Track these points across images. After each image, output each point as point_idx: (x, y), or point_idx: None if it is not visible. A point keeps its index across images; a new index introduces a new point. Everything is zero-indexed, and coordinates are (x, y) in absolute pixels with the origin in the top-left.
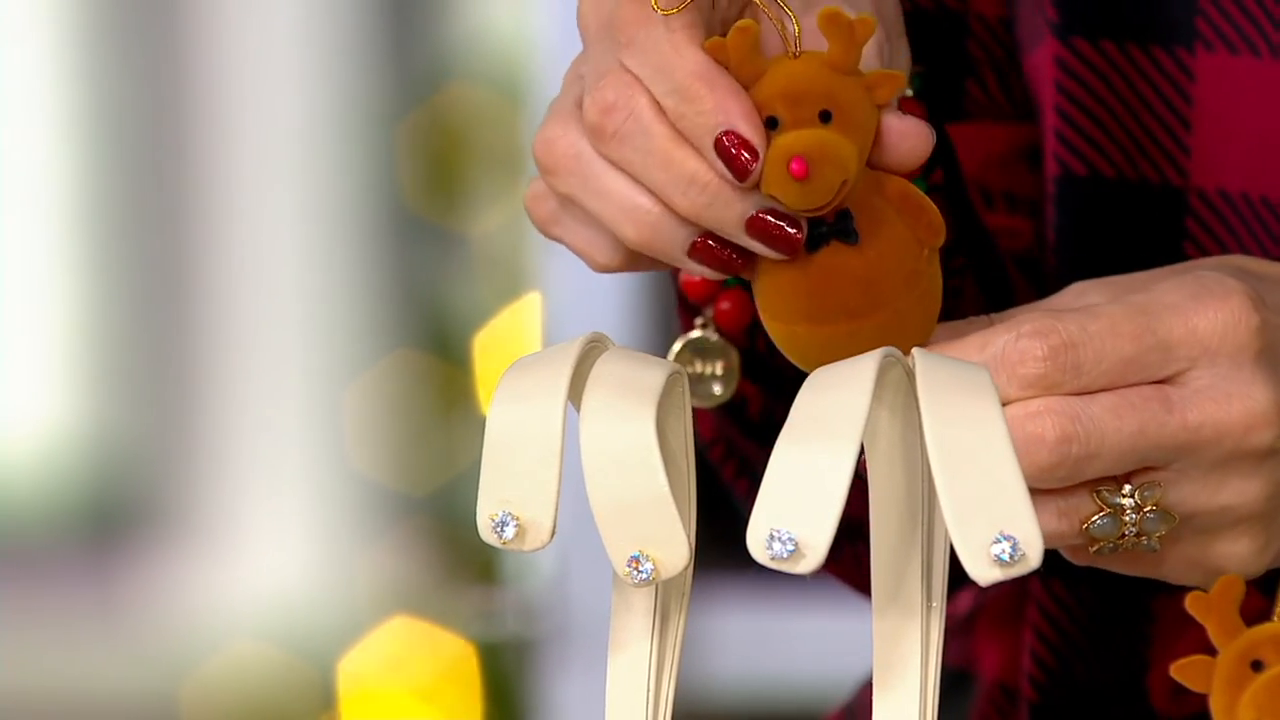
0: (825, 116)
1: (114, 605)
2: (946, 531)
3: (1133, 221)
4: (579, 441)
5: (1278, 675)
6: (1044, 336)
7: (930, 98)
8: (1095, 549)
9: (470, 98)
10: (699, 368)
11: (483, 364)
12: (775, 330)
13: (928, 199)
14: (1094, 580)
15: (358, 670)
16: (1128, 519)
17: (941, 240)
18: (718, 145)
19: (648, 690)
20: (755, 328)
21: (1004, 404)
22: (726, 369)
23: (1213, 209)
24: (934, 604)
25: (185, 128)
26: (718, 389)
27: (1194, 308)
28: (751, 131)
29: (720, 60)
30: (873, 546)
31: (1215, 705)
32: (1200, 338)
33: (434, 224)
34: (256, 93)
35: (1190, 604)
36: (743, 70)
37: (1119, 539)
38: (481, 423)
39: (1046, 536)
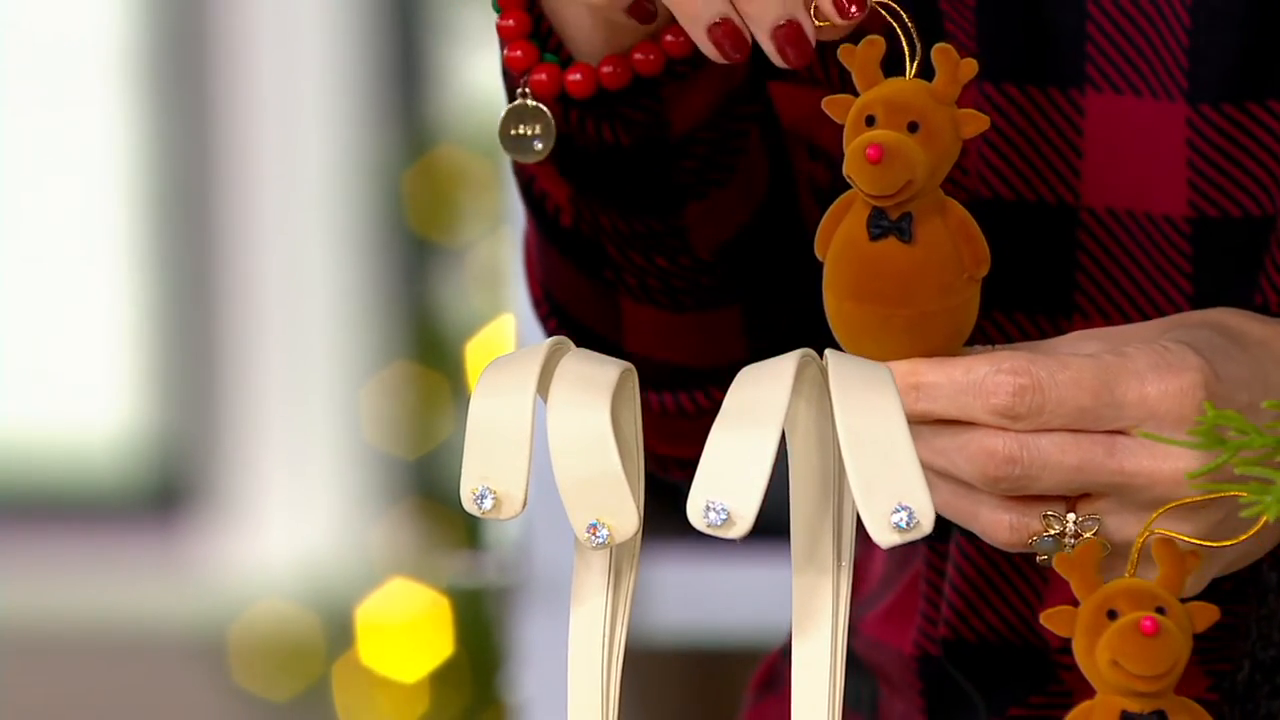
0: (913, 127)
1: (173, 562)
2: (854, 503)
3: (1032, 236)
4: (546, 428)
5: (1128, 622)
6: (1016, 375)
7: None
8: (1040, 561)
9: (457, 156)
10: (522, 130)
11: (474, 366)
12: (829, 304)
13: (981, 234)
14: (989, 550)
15: (371, 617)
16: (1067, 542)
17: (984, 271)
18: None
19: (604, 636)
20: (564, 100)
21: (974, 424)
22: (544, 129)
23: (1101, 224)
24: (843, 563)
25: (227, 179)
26: (538, 145)
27: (1150, 377)
28: None
29: (847, 64)
30: (792, 516)
31: (1076, 647)
32: (1149, 404)
33: (434, 252)
34: (286, 150)
35: (1057, 564)
36: (862, 76)
37: (1141, 543)
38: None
39: (999, 543)
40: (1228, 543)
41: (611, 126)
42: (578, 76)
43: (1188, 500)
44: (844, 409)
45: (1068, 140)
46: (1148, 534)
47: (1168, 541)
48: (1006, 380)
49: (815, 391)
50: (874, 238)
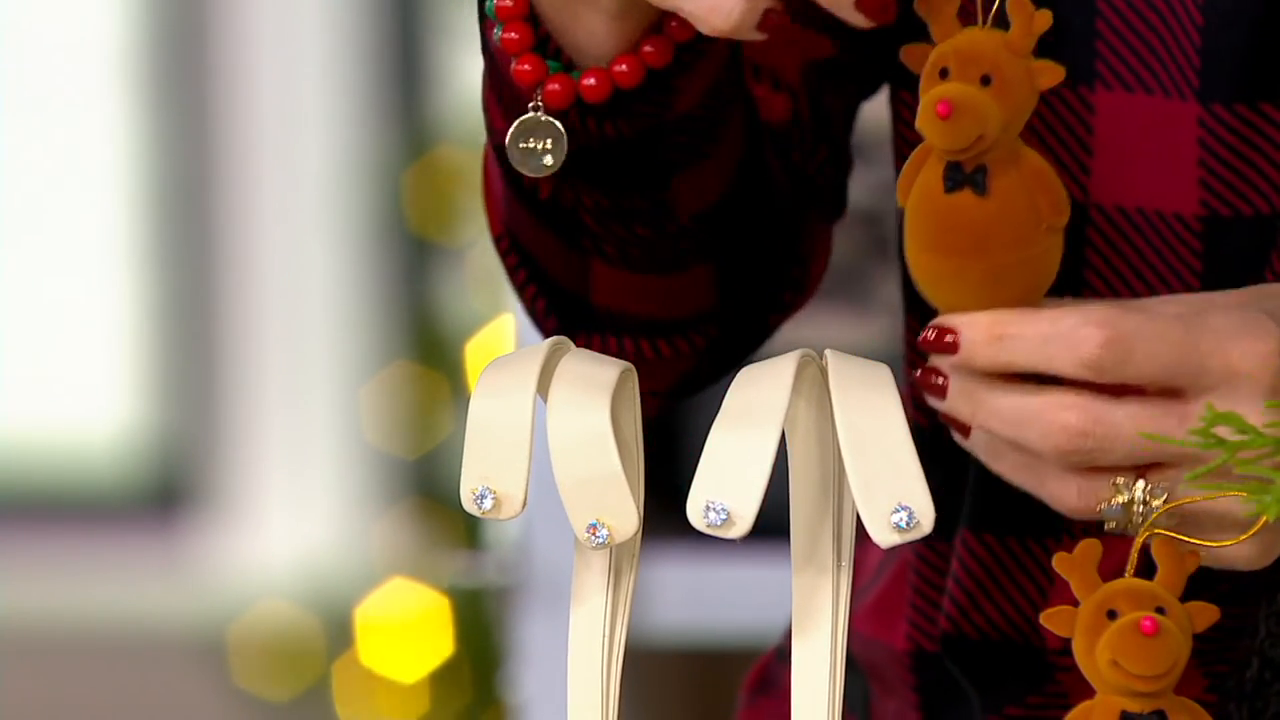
0: (985, 80)
1: (173, 562)
2: (854, 503)
3: None
4: (546, 428)
5: (1128, 622)
6: (1105, 327)
7: None
8: (1108, 529)
9: (457, 156)
10: (531, 144)
11: (474, 366)
12: (908, 254)
13: (1059, 183)
14: (994, 546)
15: (371, 616)
16: (1136, 510)
17: (1063, 219)
18: None
19: (604, 636)
20: (579, 109)
21: (1057, 378)
22: (555, 142)
23: (1110, 222)
24: (843, 564)
25: (227, 179)
26: (548, 160)
27: (1233, 339)
28: None
29: (923, 15)
30: (792, 516)
31: (1076, 647)
32: (1232, 364)
33: (434, 252)
34: (286, 150)
35: (1056, 563)
36: (939, 27)
37: (1127, 524)
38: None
39: (1067, 509)
40: (1228, 542)
41: (615, 123)
42: (592, 81)
43: (1187, 500)
44: (844, 409)
45: (1077, 137)
46: (1147, 534)
47: (1168, 541)
48: (1095, 332)
49: (815, 391)
50: (948, 190)
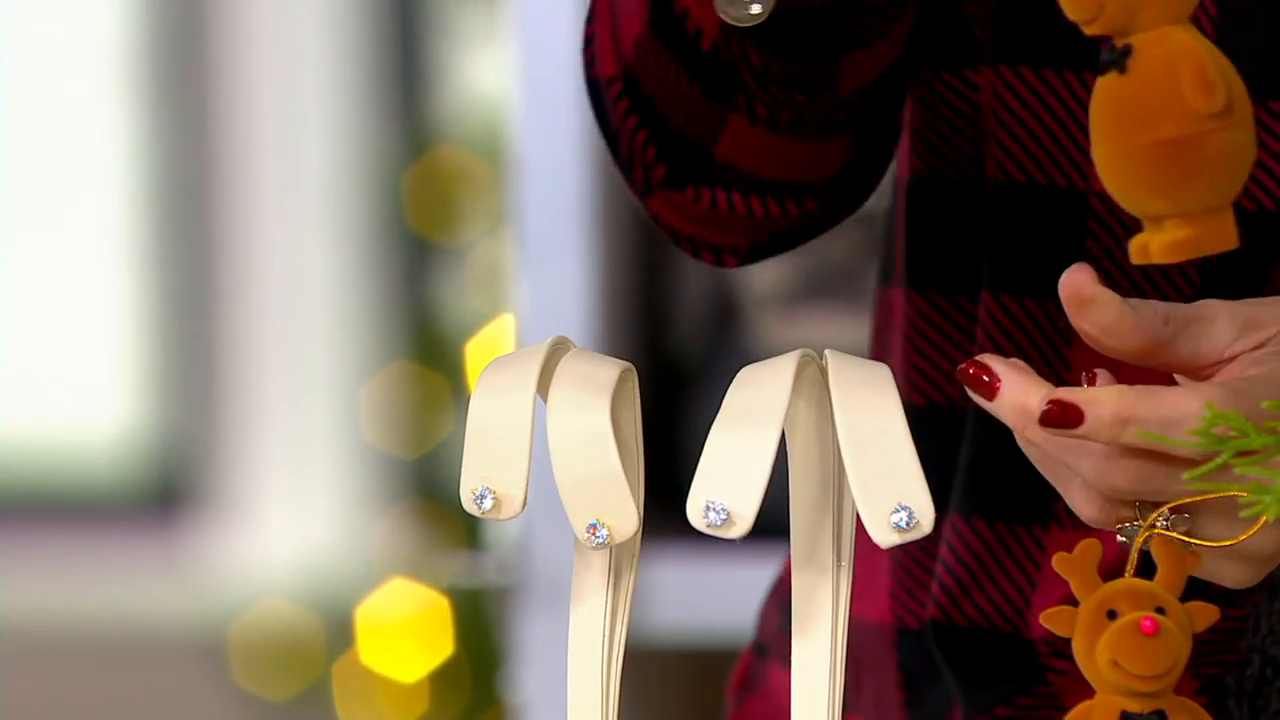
0: None
1: (173, 562)
2: (854, 503)
3: (1043, 220)
4: (546, 428)
5: (1128, 622)
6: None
7: None
8: (1119, 539)
9: (457, 156)
10: None
11: (474, 366)
12: (1092, 147)
13: (1212, 67)
14: (984, 531)
15: (371, 617)
16: (1155, 535)
17: (1211, 105)
18: None
19: (604, 636)
20: None
21: (1173, 448)
22: None
23: (1110, 209)
24: (843, 563)
25: (227, 179)
26: (756, 8)
27: None
28: None
29: None
30: (792, 516)
31: (1076, 647)
32: None
33: (434, 252)
34: (286, 150)
35: (1056, 563)
36: None
37: (1141, 543)
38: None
39: (1084, 518)
40: (1227, 542)
41: None
42: None
43: (1189, 500)
44: (844, 409)
45: (1080, 124)
46: (1148, 534)
47: (1168, 541)
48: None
49: (815, 391)
50: (1098, 73)
